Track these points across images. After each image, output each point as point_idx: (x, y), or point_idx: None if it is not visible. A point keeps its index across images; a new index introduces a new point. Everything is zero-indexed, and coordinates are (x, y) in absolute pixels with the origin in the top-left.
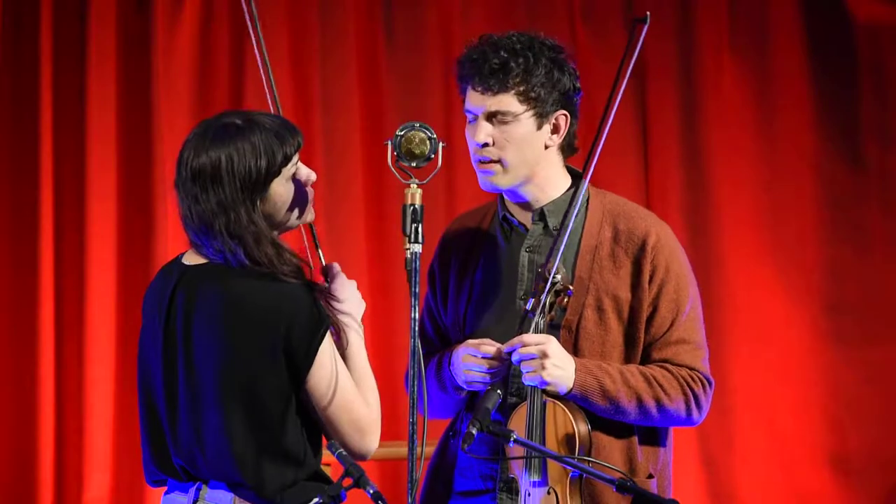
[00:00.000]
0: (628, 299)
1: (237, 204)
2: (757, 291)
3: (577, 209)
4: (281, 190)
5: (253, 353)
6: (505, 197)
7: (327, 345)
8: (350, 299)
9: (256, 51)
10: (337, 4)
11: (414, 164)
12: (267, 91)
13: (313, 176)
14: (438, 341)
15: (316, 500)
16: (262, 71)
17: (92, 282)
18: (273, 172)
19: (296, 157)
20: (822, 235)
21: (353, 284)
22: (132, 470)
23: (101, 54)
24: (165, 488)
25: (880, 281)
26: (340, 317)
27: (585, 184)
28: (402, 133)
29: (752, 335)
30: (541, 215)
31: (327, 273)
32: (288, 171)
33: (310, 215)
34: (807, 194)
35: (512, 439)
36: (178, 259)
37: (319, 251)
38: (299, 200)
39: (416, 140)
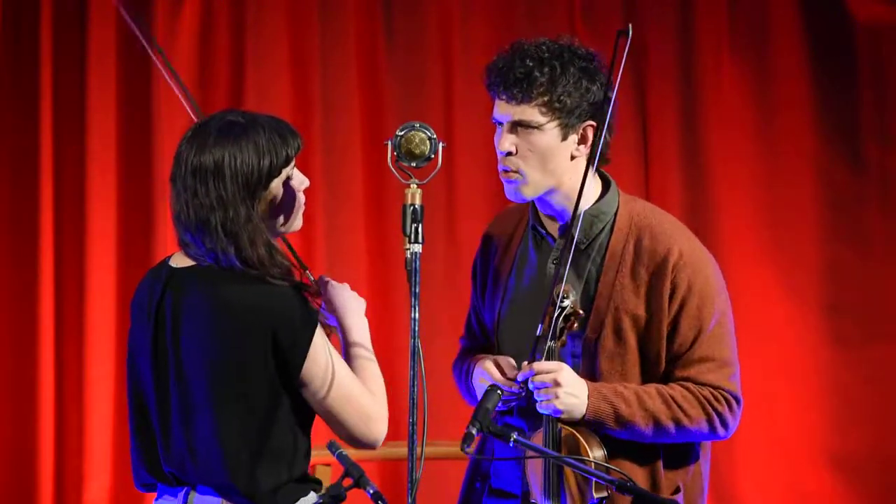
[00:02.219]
0: (647, 318)
1: (237, 202)
2: (757, 291)
3: (603, 225)
4: (277, 191)
5: (242, 355)
6: (535, 205)
7: (319, 340)
8: (346, 302)
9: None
10: (337, 5)
11: (414, 164)
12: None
13: (307, 182)
14: (481, 334)
15: (316, 500)
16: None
17: (92, 282)
18: (274, 173)
19: (294, 160)
20: (822, 235)
21: (345, 287)
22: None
23: (101, 54)
24: (155, 494)
25: (880, 281)
26: (342, 317)
27: (615, 205)
28: (402, 133)
29: (752, 335)
30: (567, 229)
31: (319, 287)
32: (286, 172)
33: (298, 223)
34: (807, 194)
35: (512, 439)
36: (165, 261)
37: (308, 273)
38: (291, 205)
39: (416, 140)
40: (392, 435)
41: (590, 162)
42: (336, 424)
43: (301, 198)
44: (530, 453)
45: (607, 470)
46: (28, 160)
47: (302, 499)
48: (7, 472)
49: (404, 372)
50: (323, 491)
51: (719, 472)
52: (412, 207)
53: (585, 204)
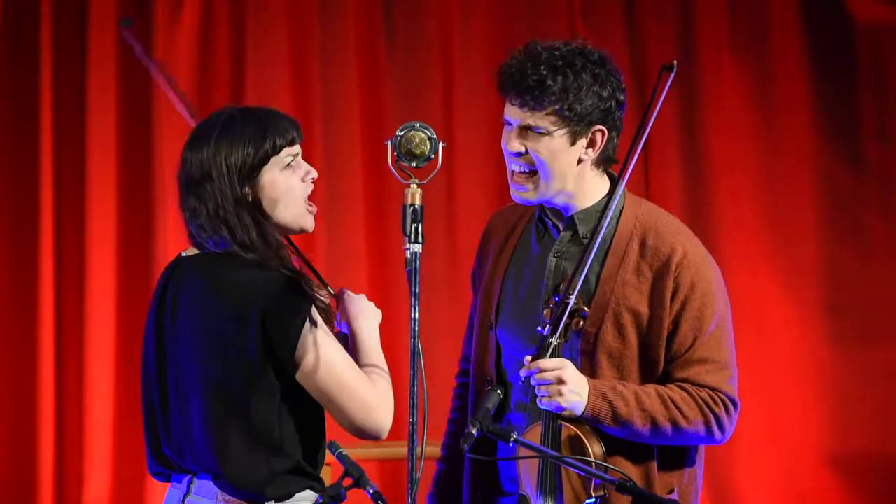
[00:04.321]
0: (648, 315)
1: (225, 189)
2: (757, 292)
3: (607, 220)
4: (271, 178)
5: (229, 340)
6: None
7: (312, 328)
8: (361, 308)
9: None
10: (337, 6)
11: (414, 164)
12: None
13: (313, 173)
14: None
15: (317, 499)
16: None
17: (92, 282)
18: (262, 159)
19: (292, 149)
20: (822, 236)
21: (361, 297)
22: (132, 470)
23: (100, 55)
24: (168, 484)
25: (880, 281)
26: (352, 320)
27: (616, 199)
28: (402, 133)
29: (753, 335)
30: (571, 222)
31: (338, 300)
32: (280, 159)
33: (302, 218)
34: (807, 194)
35: (511, 439)
36: (180, 254)
37: (329, 289)
38: (288, 193)
39: (416, 140)
40: (392, 435)
41: (598, 164)
42: (335, 412)
43: (301, 187)
44: (528, 453)
45: (606, 469)
46: (28, 160)
47: (297, 494)
48: (7, 471)
49: (404, 372)
50: (323, 491)
51: (719, 472)
52: (412, 207)
53: (590, 202)
